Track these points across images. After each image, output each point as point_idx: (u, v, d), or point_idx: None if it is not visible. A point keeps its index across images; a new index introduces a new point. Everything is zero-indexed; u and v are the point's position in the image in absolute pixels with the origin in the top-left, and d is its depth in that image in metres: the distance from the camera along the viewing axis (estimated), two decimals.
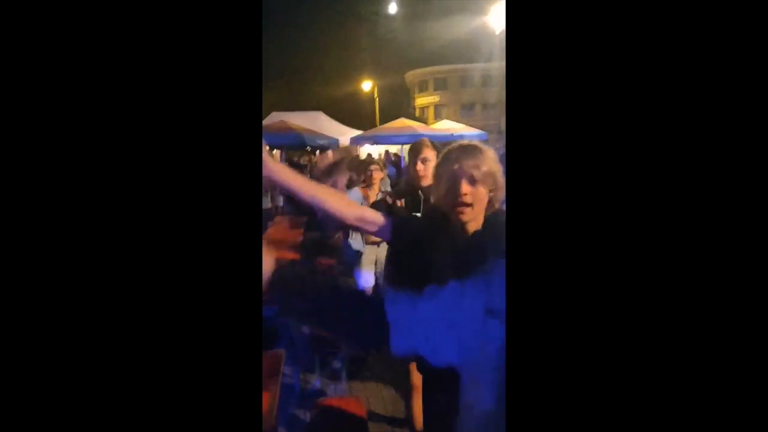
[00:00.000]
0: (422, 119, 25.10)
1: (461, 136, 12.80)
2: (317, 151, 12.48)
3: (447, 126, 13.84)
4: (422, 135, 12.02)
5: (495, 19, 12.91)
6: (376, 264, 3.31)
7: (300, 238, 4.79)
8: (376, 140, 12.57)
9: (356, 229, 1.91)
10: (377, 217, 1.60)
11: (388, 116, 21.20)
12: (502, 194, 1.55)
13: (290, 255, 3.96)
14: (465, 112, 30.54)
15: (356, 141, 13.03)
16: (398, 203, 2.57)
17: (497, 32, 13.18)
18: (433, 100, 33.49)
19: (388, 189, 3.61)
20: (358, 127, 15.74)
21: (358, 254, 3.33)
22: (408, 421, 2.70)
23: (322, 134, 11.96)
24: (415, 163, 2.46)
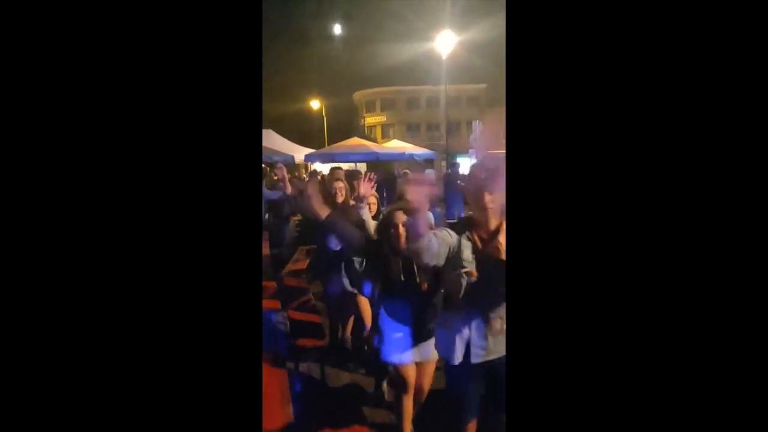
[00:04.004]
0: (370, 138, 25.57)
1: (412, 155, 13.30)
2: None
3: (398, 145, 14.28)
4: (376, 153, 12.38)
5: (441, 45, 13.61)
6: None
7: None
8: (331, 158, 12.76)
9: None
10: None
11: (336, 135, 21.51)
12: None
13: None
14: (411, 132, 31.33)
15: (310, 158, 13.18)
16: None
17: (443, 57, 13.89)
18: (380, 120, 34.19)
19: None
20: (307, 146, 15.84)
21: None
22: None
23: (278, 151, 12.06)
24: None
